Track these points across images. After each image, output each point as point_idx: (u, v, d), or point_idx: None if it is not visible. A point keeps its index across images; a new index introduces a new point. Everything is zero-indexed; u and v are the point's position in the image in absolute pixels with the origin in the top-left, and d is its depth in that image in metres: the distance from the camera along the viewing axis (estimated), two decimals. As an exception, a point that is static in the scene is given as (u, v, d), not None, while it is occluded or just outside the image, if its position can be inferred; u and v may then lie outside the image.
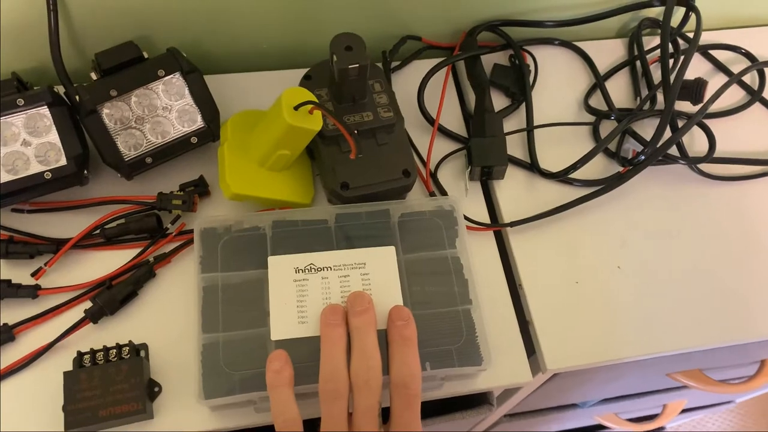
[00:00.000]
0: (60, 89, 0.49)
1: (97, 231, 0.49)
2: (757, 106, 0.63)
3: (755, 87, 0.64)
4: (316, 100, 0.45)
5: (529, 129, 0.58)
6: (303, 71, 0.53)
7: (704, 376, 0.72)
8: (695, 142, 0.60)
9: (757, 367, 0.77)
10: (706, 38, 0.66)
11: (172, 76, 0.50)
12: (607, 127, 0.59)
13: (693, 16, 0.60)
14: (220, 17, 0.55)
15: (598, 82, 0.62)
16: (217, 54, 0.59)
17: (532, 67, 0.62)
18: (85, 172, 0.49)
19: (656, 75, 0.62)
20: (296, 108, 0.45)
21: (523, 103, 0.60)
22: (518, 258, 0.52)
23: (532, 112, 0.59)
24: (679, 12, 0.63)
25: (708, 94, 0.58)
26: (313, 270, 0.45)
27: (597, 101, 0.61)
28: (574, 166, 0.55)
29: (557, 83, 0.62)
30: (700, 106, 0.57)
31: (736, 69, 0.64)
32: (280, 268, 0.45)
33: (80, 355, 0.44)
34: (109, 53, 0.48)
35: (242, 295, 0.44)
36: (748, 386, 0.77)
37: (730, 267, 0.54)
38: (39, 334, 0.46)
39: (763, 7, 0.68)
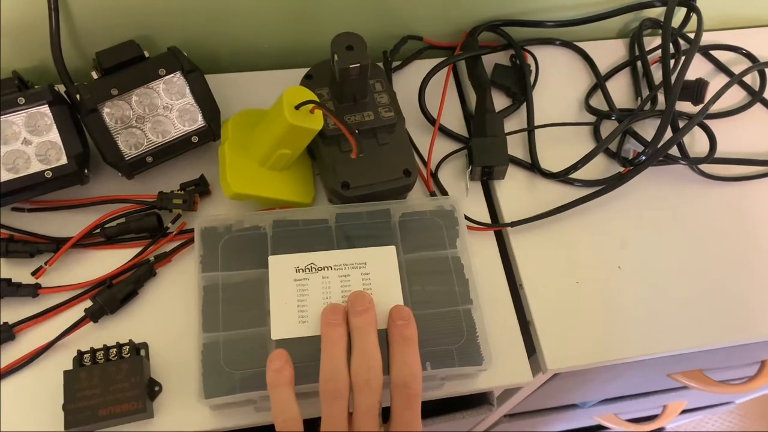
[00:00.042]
0: (61, 88, 0.49)
1: (98, 230, 0.49)
2: (757, 107, 0.63)
3: (756, 88, 0.64)
4: (317, 100, 0.45)
5: (530, 129, 0.58)
6: (304, 71, 0.52)
7: (705, 376, 0.72)
8: (696, 142, 0.60)
9: (757, 368, 0.77)
10: (707, 39, 0.66)
11: (173, 75, 0.50)
12: (607, 128, 0.59)
13: (694, 17, 0.60)
14: (221, 17, 0.55)
15: (599, 83, 0.62)
16: (218, 53, 0.59)
17: (533, 67, 0.62)
18: (86, 171, 0.49)
19: (657, 75, 0.62)
20: (297, 107, 0.45)
21: (524, 103, 0.60)
22: (519, 258, 0.52)
23: (532, 112, 0.59)
24: (680, 12, 0.63)
25: (709, 94, 0.59)
26: (313, 269, 0.45)
27: (598, 101, 0.61)
28: (575, 167, 0.55)
29: (558, 83, 0.62)
30: (701, 106, 0.57)
31: (737, 69, 0.64)
32: (281, 267, 0.45)
33: (80, 354, 0.44)
34: (110, 52, 0.48)
35: (243, 294, 0.44)
36: (749, 387, 0.77)
37: (731, 267, 0.54)
38: (39, 333, 0.46)
39: (764, 7, 0.68)
